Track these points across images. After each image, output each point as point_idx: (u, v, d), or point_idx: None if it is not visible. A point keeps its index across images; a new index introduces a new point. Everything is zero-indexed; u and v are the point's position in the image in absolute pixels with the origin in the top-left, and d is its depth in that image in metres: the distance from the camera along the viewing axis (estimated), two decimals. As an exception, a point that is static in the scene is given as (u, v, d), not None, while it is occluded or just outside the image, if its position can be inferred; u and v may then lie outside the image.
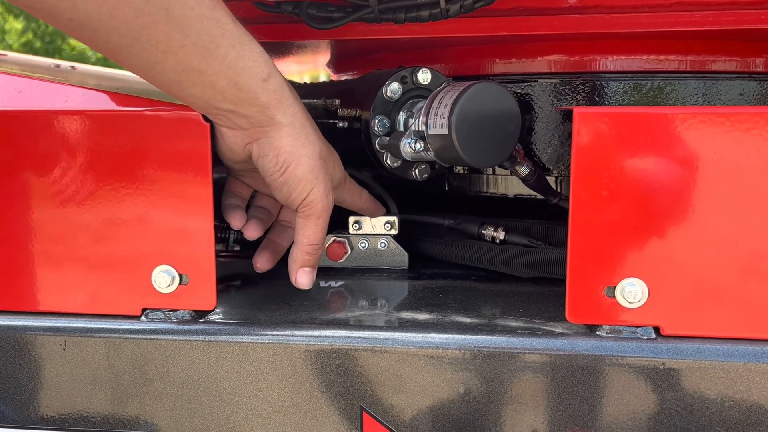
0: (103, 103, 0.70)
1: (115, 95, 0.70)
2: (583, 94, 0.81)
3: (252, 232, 0.73)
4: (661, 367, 0.59)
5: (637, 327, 0.60)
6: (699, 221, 0.59)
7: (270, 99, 0.61)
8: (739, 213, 0.58)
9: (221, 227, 0.89)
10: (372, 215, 0.82)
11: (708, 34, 0.79)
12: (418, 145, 0.74)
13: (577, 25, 0.76)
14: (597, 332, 0.61)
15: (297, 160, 0.64)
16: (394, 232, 0.85)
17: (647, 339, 0.60)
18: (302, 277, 0.70)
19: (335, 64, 1.19)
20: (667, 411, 0.60)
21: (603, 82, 0.81)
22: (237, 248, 0.90)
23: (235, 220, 0.72)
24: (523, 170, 0.76)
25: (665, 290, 0.59)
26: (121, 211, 0.65)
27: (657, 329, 0.61)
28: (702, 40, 0.82)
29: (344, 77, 1.15)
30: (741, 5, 0.73)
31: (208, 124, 0.63)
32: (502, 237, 0.83)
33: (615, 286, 0.60)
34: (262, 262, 0.75)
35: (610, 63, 0.83)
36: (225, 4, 0.60)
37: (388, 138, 0.79)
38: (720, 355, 0.59)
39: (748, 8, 0.73)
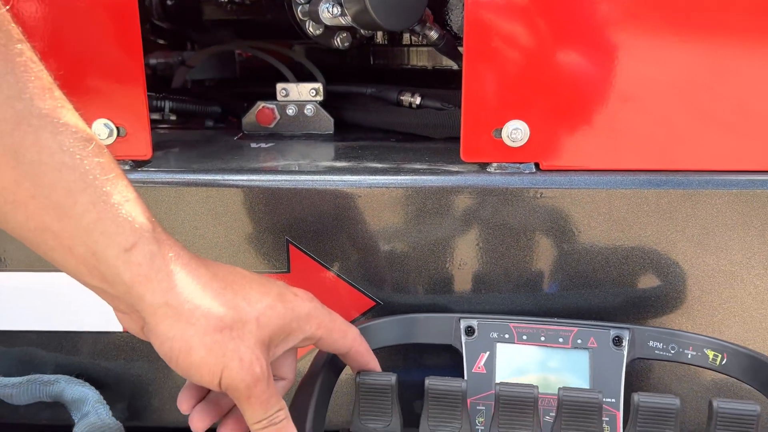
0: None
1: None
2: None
3: (196, 423, 0.59)
4: (540, 197, 0.70)
5: (521, 163, 0.70)
6: (574, 64, 0.67)
7: (133, 275, 0.49)
8: (609, 55, 0.67)
9: (156, 97, 0.94)
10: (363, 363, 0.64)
11: None
12: (335, 9, 0.80)
13: None
14: (487, 169, 0.71)
15: (186, 345, 0.51)
16: (319, 98, 0.93)
17: (528, 173, 0.70)
18: None
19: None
20: (544, 232, 0.71)
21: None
22: (173, 117, 0.96)
23: (182, 404, 0.59)
24: (433, 34, 0.83)
25: (544, 130, 0.69)
26: (55, 66, 0.70)
27: (537, 165, 0.71)
28: None
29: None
30: None
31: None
32: (418, 102, 0.91)
33: (501, 128, 0.69)
34: (196, 422, 0.58)
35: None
36: (108, 152, 0.50)
37: (309, 5, 0.84)
38: (588, 183, 0.69)
39: None
